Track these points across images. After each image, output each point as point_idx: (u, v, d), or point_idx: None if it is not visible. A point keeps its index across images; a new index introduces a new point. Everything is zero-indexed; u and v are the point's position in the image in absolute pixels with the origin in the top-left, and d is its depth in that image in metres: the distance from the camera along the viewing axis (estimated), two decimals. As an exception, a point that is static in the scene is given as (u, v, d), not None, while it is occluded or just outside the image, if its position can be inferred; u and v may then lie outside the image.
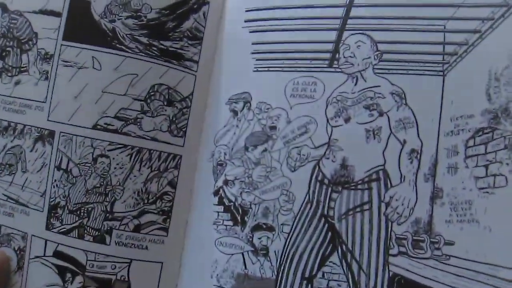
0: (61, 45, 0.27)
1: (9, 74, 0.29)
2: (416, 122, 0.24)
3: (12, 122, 0.28)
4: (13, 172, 0.28)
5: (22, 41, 0.29)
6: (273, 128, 0.26)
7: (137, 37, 0.26)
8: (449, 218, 0.23)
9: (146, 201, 0.27)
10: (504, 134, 0.22)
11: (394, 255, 0.23)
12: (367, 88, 0.25)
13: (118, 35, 0.26)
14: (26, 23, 0.29)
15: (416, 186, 0.23)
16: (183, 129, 0.27)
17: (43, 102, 0.28)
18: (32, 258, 0.27)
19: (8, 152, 0.28)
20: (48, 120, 0.27)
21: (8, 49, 0.29)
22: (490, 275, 0.22)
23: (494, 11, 0.23)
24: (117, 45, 0.26)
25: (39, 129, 0.28)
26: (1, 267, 0.28)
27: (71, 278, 0.26)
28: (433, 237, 0.23)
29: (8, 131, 0.28)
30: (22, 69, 0.29)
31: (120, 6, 0.26)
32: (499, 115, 0.23)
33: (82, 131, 0.26)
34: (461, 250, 0.23)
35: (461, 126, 0.23)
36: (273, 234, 0.25)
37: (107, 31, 0.26)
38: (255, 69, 0.27)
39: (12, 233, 0.28)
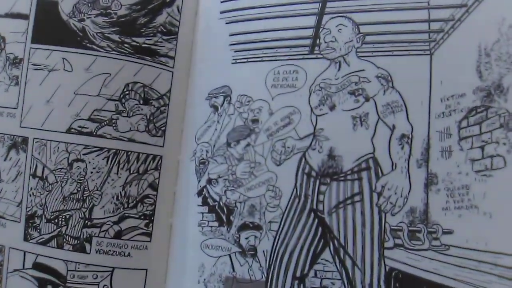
0: (30, 48, 0.27)
1: None
2: (405, 106, 0.23)
3: None
4: None
5: None
6: (255, 121, 0.25)
7: (108, 35, 0.26)
8: (446, 206, 0.22)
9: (126, 206, 0.26)
10: (498, 112, 0.21)
11: (389, 248, 0.22)
12: (351, 73, 0.24)
13: (88, 34, 0.26)
14: None
15: (408, 173, 0.22)
16: (162, 128, 0.26)
17: (14, 108, 0.27)
18: (11, 272, 0.27)
19: None
20: (20, 126, 0.27)
21: None
22: (493, 264, 0.21)
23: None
24: (88, 44, 0.26)
25: (12, 136, 0.27)
26: None
27: None
28: (430, 227, 0.22)
29: None
30: None
31: (89, 4, 0.26)
32: (492, 92, 0.22)
33: (56, 136, 0.26)
34: (461, 239, 0.21)
35: (452, 107, 0.22)
36: (261, 233, 0.24)
37: (77, 31, 0.26)
38: (234, 61, 0.26)
39: None
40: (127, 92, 0.26)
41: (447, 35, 0.23)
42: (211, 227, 0.26)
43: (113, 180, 0.26)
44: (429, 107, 0.23)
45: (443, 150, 0.23)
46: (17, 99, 0.27)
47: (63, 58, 0.26)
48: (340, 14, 0.24)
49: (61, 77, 0.26)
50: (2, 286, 0.27)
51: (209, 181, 0.26)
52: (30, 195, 0.26)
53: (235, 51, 0.27)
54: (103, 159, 0.26)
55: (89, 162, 0.26)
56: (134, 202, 0.26)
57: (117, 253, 0.26)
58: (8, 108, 0.27)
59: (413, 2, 0.23)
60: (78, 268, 0.26)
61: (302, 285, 0.24)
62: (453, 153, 0.22)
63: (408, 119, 0.23)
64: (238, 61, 0.26)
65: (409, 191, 0.23)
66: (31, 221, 0.26)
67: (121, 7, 0.26)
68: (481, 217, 0.22)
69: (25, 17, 0.28)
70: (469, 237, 0.21)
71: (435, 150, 0.23)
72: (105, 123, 0.26)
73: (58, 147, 0.26)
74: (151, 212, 0.26)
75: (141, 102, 0.26)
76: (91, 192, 0.26)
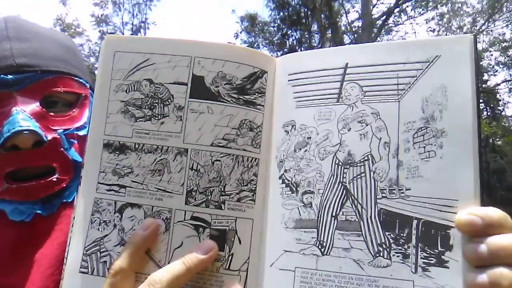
0: (188, 101, 0.45)
1: (156, 119, 0.45)
2: (386, 127, 0.43)
3: (159, 145, 0.44)
4: (162, 174, 0.44)
5: (164, 99, 0.45)
6: (309, 138, 0.45)
7: (231, 94, 0.45)
8: (407, 176, 0.40)
9: (242, 184, 0.45)
10: (432, 129, 0.41)
11: (379, 199, 0.39)
12: (358, 111, 0.44)
13: (221, 93, 0.44)
14: (166, 89, 0.45)
15: (388, 161, 0.39)
16: (259, 143, 0.47)
17: (179, 133, 0.44)
18: (176, 223, 0.42)
19: (158, 162, 0.44)
20: (183, 142, 0.44)
21: (155, 104, 0.45)
22: (439, 205, 0.40)
23: (420, 66, 0.42)
24: (220, 99, 0.44)
25: (178, 148, 0.44)
26: (154, 230, 0.42)
27: (202, 230, 0.43)
28: (400, 187, 0.41)
29: (157, 150, 0.44)
30: (164, 115, 0.44)
31: (221, 78, 0.47)
32: (429, 120, 0.42)
33: (204, 147, 0.44)
34: (416, 192, 0.41)
35: (410, 127, 0.42)
36: (314, 195, 0.44)
37: (215, 92, 0.45)
38: (297, 107, 0.47)
39: (161, 210, 0.43)
40: (242, 125, 0.47)
41: (406, 92, 0.43)
42: (287, 194, 0.45)
43: (236, 170, 0.44)
44: (398, 127, 0.43)
45: (405, 149, 0.42)
46: (180, 128, 0.44)
47: (207, 106, 0.44)
48: (352, 81, 0.45)
49: (206, 117, 0.44)
50: (170, 231, 0.42)
51: (285, 170, 0.46)
52: (189, 180, 0.43)
53: (297, 101, 0.48)
54: (230, 159, 0.47)
55: (223, 161, 0.44)
56: (247, 183, 0.45)
57: (238, 209, 0.43)
58: (175, 133, 0.44)
59: (391, 71, 0.44)
60: (218, 218, 0.43)
61: (335, 220, 0.44)
62: (410, 150, 0.42)
63: (388, 134, 0.43)
64: (299, 106, 0.47)
65: (389, 171, 0.42)
66: (189, 194, 0.43)
67: (237, 80, 0.48)
68: (424, 180, 0.41)
69: (185, 84, 0.44)
70: (419, 192, 0.41)
71: (402, 149, 0.42)
72: (231, 140, 0.46)
73: (206, 153, 0.43)
74: (254, 188, 0.46)
75: (248, 130, 0.47)
76: (224, 177, 0.44)
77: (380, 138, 0.40)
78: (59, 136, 0.56)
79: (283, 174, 0.44)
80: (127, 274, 0.41)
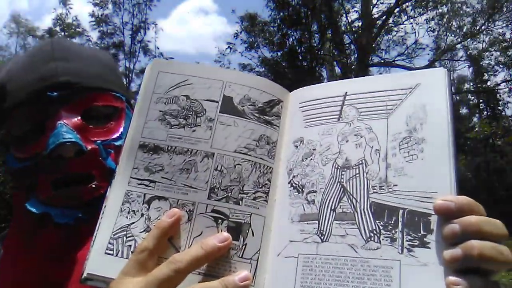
0: (218, 114, 0.52)
1: (189, 127, 0.51)
2: (377, 138, 0.51)
3: (190, 148, 0.51)
4: (189, 172, 0.49)
5: (197, 112, 0.52)
6: (314, 149, 0.54)
7: (254, 113, 0.52)
8: (394, 175, 0.48)
9: (258, 186, 0.51)
10: (415, 138, 0.49)
11: (371, 194, 0.45)
12: (355, 127, 0.53)
13: (245, 112, 0.52)
14: (200, 104, 0.52)
15: (379, 164, 0.46)
16: (273, 155, 0.56)
17: (208, 139, 0.51)
18: (198, 214, 0.48)
19: (187, 162, 0.50)
20: (210, 147, 0.50)
21: (189, 115, 0.52)
22: (421, 196, 0.46)
23: (405, 92, 0.52)
24: (245, 116, 0.52)
25: (205, 151, 0.50)
26: (178, 218, 0.47)
27: (221, 222, 0.48)
28: (388, 184, 0.48)
29: (187, 153, 0.50)
30: (196, 125, 0.51)
31: (246, 100, 0.53)
32: (412, 131, 0.50)
33: (229, 153, 0.50)
34: (401, 187, 0.47)
35: (396, 137, 0.50)
36: (316, 193, 0.51)
37: (241, 110, 0.52)
38: (305, 126, 0.57)
39: (186, 202, 0.48)
40: (261, 138, 0.55)
41: (393, 110, 0.53)
42: (294, 194, 0.53)
43: (253, 174, 0.50)
44: (387, 137, 0.51)
45: (393, 154, 0.50)
46: (209, 136, 0.51)
47: (234, 121, 0.52)
48: (350, 105, 0.55)
49: (232, 129, 0.51)
50: (192, 221, 0.47)
51: (293, 176, 0.55)
52: (213, 178, 0.49)
53: (306, 122, 0.58)
54: (249, 164, 0.52)
55: (243, 166, 0.50)
56: (262, 186, 0.50)
57: (253, 207, 0.49)
58: (205, 139, 0.51)
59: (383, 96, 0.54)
60: (235, 212, 0.48)
61: (334, 213, 0.50)
62: (397, 155, 0.50)
63: (378, 143, 0.51)
64: (306, 126, 0.57)
65: (379, 171, 0.50)
66: (212, 190, 0.49)
67: (260, 103, 0.56)
68: (409, 178, 0.48)
69: (216, 101, 0.52)
70: (405, 186, 0.48)
71: (390, 154, 0.50)
72: (251, 150, 0.55)
73: (229, 158, 0.50)
74: (268, 190, 0.52)
75: (266, 143, 0.57)
76: (244, 179, 0.49)
77: (372, 147, 0.49)
78: (97, 147, 0.62)
79: (292, 179, 0.52)
80: (151, 253, 0.45)
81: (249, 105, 0.54)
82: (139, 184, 0.50)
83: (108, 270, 0.45)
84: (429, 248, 0.43)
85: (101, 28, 14.63)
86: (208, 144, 0.52)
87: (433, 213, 0.43)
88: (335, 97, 0.53)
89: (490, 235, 0.40)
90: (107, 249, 0.47)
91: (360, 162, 0.48)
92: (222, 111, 0.53)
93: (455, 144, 0.47)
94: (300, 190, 0.50)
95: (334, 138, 0.51)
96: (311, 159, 0.51)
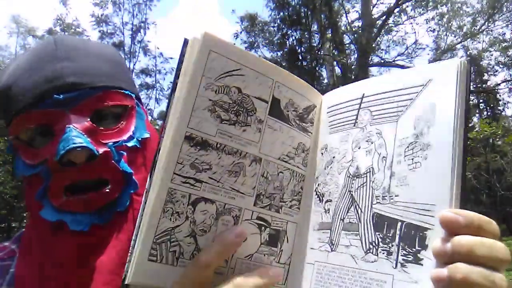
0: (267, 117, 0.49)
1: (240, 125, 0.48)
2: (385, 144, 0.48)
3: (239, 150, 0.47)
4: (238, 175, 0.47)
5: (248, 110, 0.48)
6: (333, 157, 0.54)
7: (295, 120, 0.52)
8: (397, 184, 0.45)
9: (293, 195, 0.51)
10: (420, 144, 0.45)
11: (374, 204, 0.45)
12: (367, 132, 0.51)
13: (289, 118, 0.51)
14: (251, 101, 0.48)
15: (384, 172, 0.44)
16: (306, 163, 0.54)
17: (257, 143, 0.48)
18: (243, 220, 0.47)
19: (236, 164, 0.47)
20: (259, 152, 0.48)
21: (240, 111, 0.47)
22: (419, 209, 0.44)
23: (416, 90, 0.48)
24: (289, 122, 0.51)
25: (254, 155, 0.48)
26: (244, 238, 0.45)
27: (264, 229, 0.48)
28: (390, 194, 0.46)
29: (237, 154, 0.47)
30: (247, 124, 0.48)
31: (290, 105, 0.51)
32: (418, 135, 0.46)
33: (274, 159, 0.50)
34: (402, 198, 0.45)
35: (403, 142, 0.47)
36: (331, 202, 0.52)
37: (286, 115, 0.51)
38: (330, 133, 0.57)
39: (232, 207, 0.47)
40: (298, 146, 0.52)
41: (402, 113, 0.48)
42: (317, 203, 0.54)
43: (291, 182, 0.51)
44: (394, 143, 0.48)
45: (398, 161, 0.47)
46: (258, 139, 0.48)
47: (280, 126, 0.50)
48: (365, 108, 0.53)
49: (278, 134, 0.50)
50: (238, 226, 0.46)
51: (318, 184, 0.56)
52: (259, 185, 0.48)
53: (331, 128, 0.58)
54: (289, 173, 0.50)
55: (284, 174, 0.50)
56: (296, 194, 0.51)
57: (289, 215, 0.51)
58: (254, 142, 0.48)
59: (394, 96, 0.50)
60: (276, 220, 0.49)
61: (342, 221, 0.50)
62: (401, 163, 0.46)
63: (386, 150, 0.49)
64: (331, 132, 0.57)
65: (384, 180, 0.48)
66: (257, 197, 0.48)
67: (300, 109, 0.53)
68: (411, 189, 0.45)
69: (266, 101, 0.49)
70: (407, 198, 0.45)
71: (395, 161, 0.47)
72: (291, 157, 0.52)
73: (274, 165, 0.50)
74: (300, 198, 0.52)
75: (302, 151, 0.57)
76: (284, 186, 0.50)
77: (380, 153, 0.48)
78: (109, 149, 0.58)
79: (317, 187, 0.54)
80: (211, 269, 0.43)
81: (292, 110, 0.52)
82: (183, 183, 0.45)
83: (153, 278, 0.43)
84: (422, 265, 0.41)
85: (101, 28, 14.71)
86: (257, 148, 0.49)
87: (430, 227, 0.41)
88: (353, 100, 0.52)
89: (484, 259, 0.37)
90: (150, 255, 0.43)
91: (368, 170, 0.48)
92: (270, 113, 0.51)
93: (466, 149, 0.42)
94: (321, 198, 0.52)
95: (349, 145, 0.51)
96: (331, 167, 0.52)
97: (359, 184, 0.48)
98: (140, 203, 0.59)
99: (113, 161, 0.59)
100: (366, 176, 0.48)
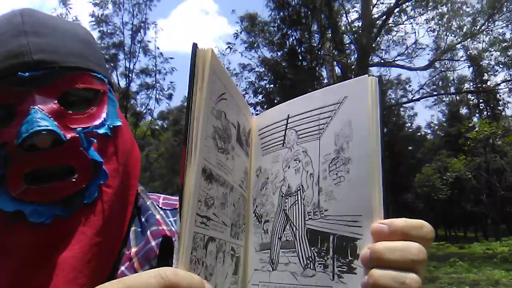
0: (235, 143, 0.49)
1: (226, 153, 0.46)
2: (311, 161, 0.51)
3: (226, 180, 0.46)
4: (225, 207, 0.46)
5: (229, 136, 0.47)
6: (267, 178, 0.55)
7: (244, 144, 0.53)
8: (325, 199, 0.47)
9: (243, 219, 0.52)
10: (342, 159, 0.48)
11: (307, 220, 0.46)
12: (295, 151, 0.53)
13: (243, 143, 0.52)
14: (230, 127, 0.47)
15: (312, 189, 0.47)
16: (246, 186, 0.60)
17: (231, 170, 0.48)
18: (227, 253, 0.47)
19: (223, 195, 0.45)
20: (232, 180, 0.48)
21: (224, 138, 0.46)
22: (348, 220, 0.46)
23: (333, 107, 0.51)
24: (243, 147, 0.52)
25: (231, 184, 0.48)
26: None
27: (234, 259, 0.49)
28: (320, 209, 0.48)
29: (224, 184, 0.46)
30: (228, 152, 0.47)
31: (243, 130, 0.51)
32: (339, 151, 0.49)
33: (237, 187, 0.50)
34: (331, 212, 0.47)
35: (327, 158, 0.49)
36: (269, 223, 0.53)
37: (243, 141, 0.52)
38: (262, 155, 0.59)
39: (222, 242, 0.45)
40: (245, 170, 0.59)
41: (323, 131, 0.51)
42: (256, 224, 0.56)
43: (243, 206, 0.52)
44: (319, 159, 0.50)
45: (323, 177, 0.49)
46: (232, 167, 0.48)
47: (240, 152, 0.51)
48: (291, 128, 0.55)
49: (239, 160, 0.51)
50: (224, 262, 0.45)
51: (256, 206, 0.58)
52: (232, 213, 0.48)
53: (262, 150, 0.60)
54: (242, 198, 0.52)
55: (240, 200, 0.51)
56: (243, 217, 0.53)
57: (241, 239, 0.51)
58: (231, 170, 0.48)
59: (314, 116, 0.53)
60: (238, 247, 0.50)
61: (279, 240, 0.52)
62: (327, 178, 0.49)
63: (312, 167, 0.51)
64: (263, 154, 0.59)
65: (313, 196, 0.50)
66: (231, 227, 0.48)
67: (246, 133, 0.55)
68: (337, 202, 0.47)
69: (235, 127, 0.49)
70: (334, 211, 0.47)
71: (321, 176, 0.50)
72: (243, 182, 0.54)
73: (236, 191, 0.49)
74: (244, 221, 0.60)
75: (244, 174, 0.61)
76: (239, 213, 0.50)
77: (307, 171, 0.50)
78: (78, 135, 0.53)
79: (255, 209, 0.56)
80: None
81: (243, 135, 0.52)
82: (201, 223, 0.40)
83: None
84: (356, 273, 0.43)
85: (101, 28, 14.71)
86: (232, 176, 0.48)
87: (359, 237, 0.44)
88: (280, 121, 0.54)
89: (398, 263, 0.40)
90: None
91: (299, 188, 0.50)
92: (237, 139, 0.49)
93: (384, 159, 0.45)
94: (260, 219, 0.54)
95: (280, 165, 0.53)
96: (266, 188, 0.54)
97: (291, 202, 0.50)
98: (110, 195, 0.58)
99: (81, 148, 0.54)
100: (297, 194, 0.49)
